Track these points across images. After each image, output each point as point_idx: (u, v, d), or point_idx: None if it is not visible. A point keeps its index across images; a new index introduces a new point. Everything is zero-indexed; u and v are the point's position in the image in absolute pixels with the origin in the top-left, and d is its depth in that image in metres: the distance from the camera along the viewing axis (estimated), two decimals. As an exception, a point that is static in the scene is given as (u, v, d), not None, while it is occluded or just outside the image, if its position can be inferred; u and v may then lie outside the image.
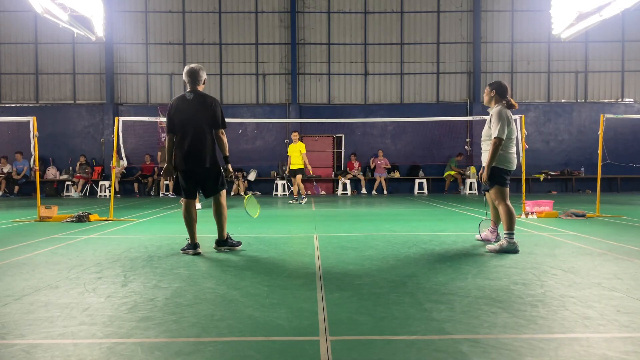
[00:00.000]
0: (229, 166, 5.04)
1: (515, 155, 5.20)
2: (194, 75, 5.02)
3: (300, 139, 13.17)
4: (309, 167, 12.88)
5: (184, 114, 4.86)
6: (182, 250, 5.02)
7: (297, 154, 12.75)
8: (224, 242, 5.11)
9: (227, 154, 5.03)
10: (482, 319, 2.75)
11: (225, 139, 4.99)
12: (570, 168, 18.39)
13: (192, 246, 4.94)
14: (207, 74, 20.71)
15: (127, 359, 2.23)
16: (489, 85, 5.29)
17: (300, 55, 18.40)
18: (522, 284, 3.56)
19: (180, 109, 4.89)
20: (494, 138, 4.93)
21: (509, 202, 5.05)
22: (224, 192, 5.05)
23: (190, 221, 4.99)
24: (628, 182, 18.03)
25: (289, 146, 13.04)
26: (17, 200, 15.04)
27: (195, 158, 4.83)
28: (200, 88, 5.06)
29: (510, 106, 5.19)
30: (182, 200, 5.02)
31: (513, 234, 4.92)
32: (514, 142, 5.15)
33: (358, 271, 4.06)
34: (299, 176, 13.00)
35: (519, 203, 8.76)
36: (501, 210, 5.04)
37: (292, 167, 12.88)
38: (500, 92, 5.18)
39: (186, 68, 5.07)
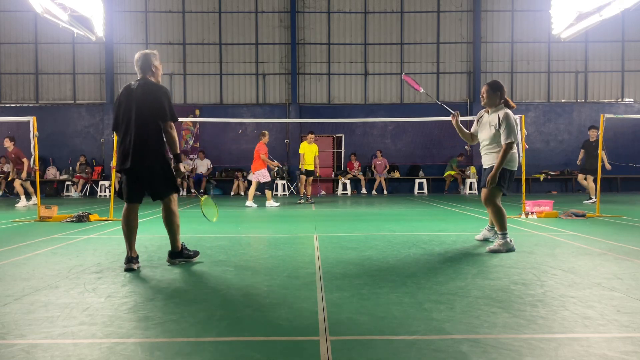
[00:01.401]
0: (181, 166, 4.30)
1: (516, 155, 5.19)
2: (141, 62, 4.32)
3: (299, 140, 13.12)
4: (318, 169, 13.04)
5: (127, 107, 4.22)
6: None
7: (311, 155, 12.70)
8: (178, 254, 4.39)
9: (178, 151, 4.27)
10: (482, 319, 2.75)
11: (174, 134, 4.23)
12: (570, 168, 18.38)
13: (127, 259, 4.15)
14: (207, 74, 20.66)
15: (127, 359, 2.23)
16: (489, 87, 5.13)
17: (300, 55, 18.40)
18: (522, 284, 3.56)
19: (123, 101, 4.25)
20: (508, 142, 4.91)
21: (499, 203, 5.07)
22: (175, 196, 4.35)
23: (127, 230, 4.22)
24: (628, 182, 18.02)
25: (303, 144, 12.78)
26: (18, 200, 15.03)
27: (136, 155, 4.13)
28: (153, 77, 4.35)
29: (509, 106, 5.19)
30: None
31: (507, 232, 4.97)
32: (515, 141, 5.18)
33: (358, 271, 4.06)
34: (311, 178, 13.04)
35: (519, 203, 8.76)
36: (491, 210, 5.08)
37: (309, 168, 12.74)
38: (503, 93, 5.17)
39: (136, 55, 4.40)
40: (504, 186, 5.06)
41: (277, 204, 11.84)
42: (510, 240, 4.96)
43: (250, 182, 17.74)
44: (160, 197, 4.29)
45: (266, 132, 12.23)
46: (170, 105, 4.25)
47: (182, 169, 4.32)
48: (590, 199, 12.46)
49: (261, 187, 12.10)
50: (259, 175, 11.80)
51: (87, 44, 17.63)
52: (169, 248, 4.44)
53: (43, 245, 5.58)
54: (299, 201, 12.95)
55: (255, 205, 11.56)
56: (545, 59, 18.57)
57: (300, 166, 12.88)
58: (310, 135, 12.86)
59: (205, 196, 5.01)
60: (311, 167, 12.77)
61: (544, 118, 18.67)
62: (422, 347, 2.35)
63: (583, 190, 17.90)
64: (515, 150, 5.12)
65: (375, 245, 5.43)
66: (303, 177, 12.94)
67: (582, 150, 12.82)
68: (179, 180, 4.36)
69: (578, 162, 13.03)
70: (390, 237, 6.17)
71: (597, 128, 12.52)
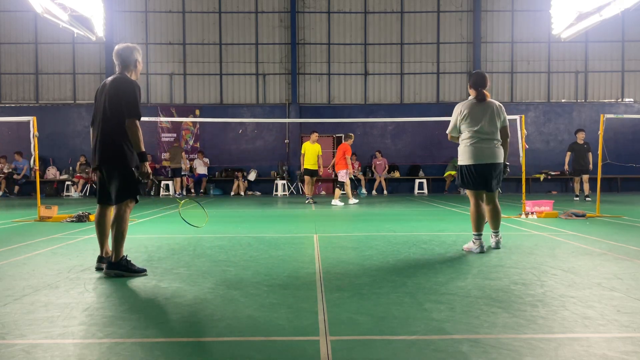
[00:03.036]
0: (146, 165, 4.04)
1: (471, 147, 4.91)
2: (123, 55, 4.16)
3: (298, 139, 13.12)
4: (322, 169, 13.10)
5: (99, 103, 4.09)
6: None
7: (314, 154, 12.70)
8: (116, 265, 3.91)
9: (142, 149, 3.97)
10: (482, 319, 2.75)
11: (136, 131, 3.93)
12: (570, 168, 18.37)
13: (98, 258, 4.17)
14: (207, 74, 20.67)
15: (127, 359, 2.23)
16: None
17: (300, 55, 18.40)
18: (522, 284, 3.56)
19: (97, 97, 4.13)
20: None
21: (471, 203, 5.05)
22: (130, 204, 4.08)
23: (97, 232, 4.20)
24: (628, 182, 18.02)
25: (305, 144, 12.80)
26: (17, 200, 15.05)
27: (99, 154, 4.00)
28: (134, 73, 4.19)
29: (479, 99, 4.95)
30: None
31: (478, 234, 4.95)
32: (472, 135, 4.91)
33: (358, 271, 4.06)
34: (315, 177, 13.09)
35: (518, 203, 8.75)
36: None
37: (310, 167, 12.76)
38: (471, 84, 5.05)
39: (117, 46, 4.23)
40: (464, 182, 5.03)
41: (357, 200, 12.43)
42: (480, 244, 4.90)
43: (250, 182, 17.87)
44: (115, 200, 4.02)
45: (352, 135, 12.69)
46: (136, 101, 3.95)
47: (147, 170, 4.03)
48: (587, 197, 12.70)
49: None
50: (342, 174, 12.31)
51: (87, 44, 17.63)
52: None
53: (43, 245, 5.58)
54: (307, 202, 12.65)
55: (343, 204, 12.00)
56: (545, 59, 18.57)
57: (302, 167, 12.90)
58: (313, 134, 12.90)
59: (186, 199, 4.96)
60: (314, 167, 12.76)
61: (544, 118, 18.66)
62: (422, 347, 2.35)
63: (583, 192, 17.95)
64: (467, 142, 4.94)
65: (375, 245, 5.43)
66: (307, 177, 12.94)
67: (569, 153, 13.18)
68: (149, 181, 4.17)
69: (566, 167, 13.29)
70: (390, 237, 6.16)
71: (584, 130, 13.10)
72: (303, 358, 2.24)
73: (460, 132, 5.05)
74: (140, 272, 3.96)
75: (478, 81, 4.98)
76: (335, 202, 12.09)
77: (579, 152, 13.03)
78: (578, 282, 3.60)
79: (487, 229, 5.23)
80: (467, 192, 5.13)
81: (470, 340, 2.43)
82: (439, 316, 2.81)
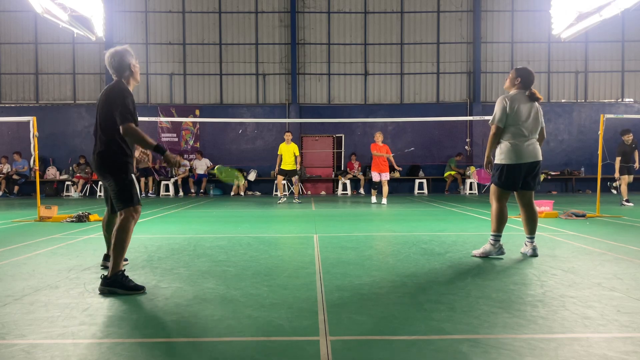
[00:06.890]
0: (168, 155, 3.76)
1: (516, 145, 4.65)
2: (115, 62, 4.05)
3: (299, 140, 13.17)
4: (298, 166, 13.24)
5: (96, 112, 4.00)
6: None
7: (290, 155, 12.79)
8: (109, 281, 3.42)
9: (153, 144, 3.74)
10: (482, 319, 2.75)
11: (136, 133, 3.68)
12: (570, 168, 18.38)
13: (104, 256, 4.28)
14: (207, 74, 20.54)
15: (127, 359, 2.23)
16: (515, 70, 4.85)
17: (300, 55, 18.39)
18: (522, 284, 3.56)
19: (96, 107, 4.03)
20: (491, 125, 4.76)
21: (498, 202, 4.73)
22: (134, 214, 3.66)
23: (105, 230, 4.17)
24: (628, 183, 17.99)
25: (281, 145, 12.97)
26: (17, 200, 15.05)
27: (94, 164, 3.89)
28: (132, 78, 4.11)
29: (531, 98, 4.76)
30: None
31: (498, 236, 4.68)
32: (518, 131, 4.66)
33: (358, 271, 4.06)
34: (296, 177, 13.21)
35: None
36: (491, 209, 4.82)
37: (286, 168, 12.89)
38: (524, 81, 4.79)
39: (107, 53, 4.05)
40: (500, 181, 4.72)
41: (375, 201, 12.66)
42: (501, 245, 4.68)
43: (250, 182, 17.88)
44: (114, 209, 3.86)
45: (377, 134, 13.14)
46: (126, 108, 3.73)
47: (172, 158, 3.81)
48: (626, 201, 11.66)
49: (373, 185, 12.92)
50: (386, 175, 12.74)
51: (87, 44, 17.62)
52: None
53: (43, 245, 5.58)
54: (278, 202, 12.99)
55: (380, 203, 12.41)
56: (545, 59, 18.56)
57: (277, 167, 13.04)
58: (288, 134, 13.04)
59: (218, 166, 5.13)
60: (290, 167, 12.88)
61: (544, 118, 18.54)
62: (422, 347, 2.35)
63: (583, 190, 17.97)
64: (513, 141, 4.66)
65: (375, 245, 5.43)
66: (280, 177, 13.15)
67: (619, 158, 11.91)
68: (176, 169, 4.09)
69: (617, 174, 11.90)
70: (390, 237, 6.16)
71: (631, 132, 11.95)
72: (303, 358, 2.24)
73: (506, 124, 4.71)
74: (138, 289, 3.46)
75: (531, 79, 4.82)
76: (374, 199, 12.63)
77: (626, 154, 11.91)
78: (578, 282, 3.60)
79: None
80: (495, 190, 4.77)
81: (470, 340, 2.43)
82: (439, 316, 2.81)
